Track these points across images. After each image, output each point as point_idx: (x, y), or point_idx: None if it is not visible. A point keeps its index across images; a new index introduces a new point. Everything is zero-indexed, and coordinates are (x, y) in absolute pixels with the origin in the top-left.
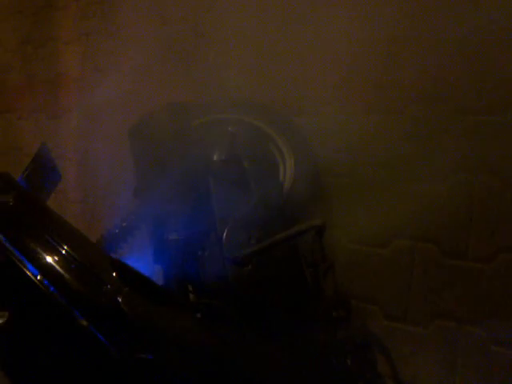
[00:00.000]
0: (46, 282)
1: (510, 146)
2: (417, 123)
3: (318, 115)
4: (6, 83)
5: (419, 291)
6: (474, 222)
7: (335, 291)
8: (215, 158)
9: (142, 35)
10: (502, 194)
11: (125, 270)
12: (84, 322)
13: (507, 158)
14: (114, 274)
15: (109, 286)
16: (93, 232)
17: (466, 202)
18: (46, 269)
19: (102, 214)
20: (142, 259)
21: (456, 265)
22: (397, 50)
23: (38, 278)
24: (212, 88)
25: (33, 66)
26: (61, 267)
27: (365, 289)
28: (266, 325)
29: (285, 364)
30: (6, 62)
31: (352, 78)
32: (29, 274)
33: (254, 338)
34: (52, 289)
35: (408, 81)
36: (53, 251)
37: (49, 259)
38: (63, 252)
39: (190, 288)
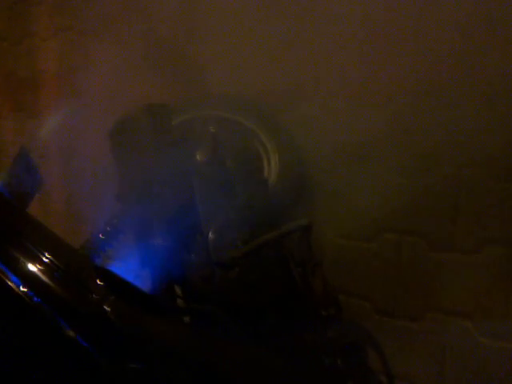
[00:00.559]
0: (29, 292)
1: (497, 139)
2: (402, 116)
3: (301, 110)
4: None
5: (408, 285)
6: (461, 215)
7: (324, 289)
8: (198, 158)
9: (123, 31)
10: (489, 186)
11: (110, 277)
12: (71, 333)
13: (494, 151)
14: (100, 283)
15: (94, 295)
16: (77, 232)
17: (452, 194)
18: (29, 279)
19: (87, 214)
20: (128, 264)
21: (443, 257)
22: (384, 42)
23: (21, 288)
24: (195, 85)
25: (10, 64)
26: (44, 276)
27: (353, 284)
28: (255, 327)
29: (276, 365)
30: None
31: (335, 73)
32: (11, 284)
33: (243, 340)
34: (36, 299)
35: (394, 74)
36: (35, 260)
37: (32, 268)
38: (46, 261)
39: (178, 292)
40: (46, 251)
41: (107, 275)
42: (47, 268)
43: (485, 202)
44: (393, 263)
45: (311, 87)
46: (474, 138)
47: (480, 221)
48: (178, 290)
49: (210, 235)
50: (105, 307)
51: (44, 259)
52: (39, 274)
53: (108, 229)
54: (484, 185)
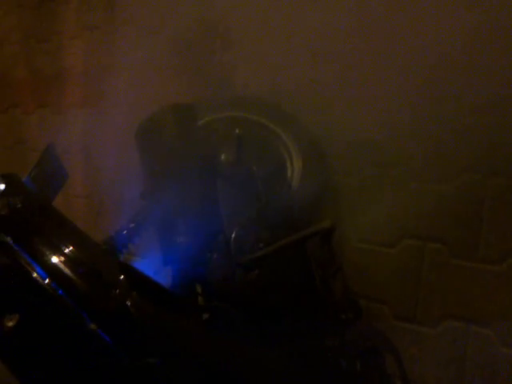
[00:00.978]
0: (53, 284)
1: None
2: (428, 122)
3: (326, 113)
4: (10, 78)
5: (428, 291)
6: (485, 224)
7: (344, 293)
8: (222, 159)
9: (149, 30)
10: None
11: (133, 273)
12: (92, 326)
13: None
14: (122, 278)
15: (117, 290)
16: (98, 227)
17: (476, 202)
18: (53, 272)
19: (108, 210)
20: (150, 261)
21: (465, 266)
22: (406, 46)
23: (46, 281)
24: (221, 85)
25: (37, 61)
26: (69, 270)
27: (374, 289)
28: (274, 328)
29: (294, 368)
30: (10, 56)
31: (361, 77)
32: (37, 276)
33: (262, 341)
34: (60, 292)
35: (419, 79)
36: (60, 254)
37: (56, 262)
38: (71, 255)
39: (199, 290)
40: (71, 245)
41: (129, 271)
42: (71, 262)
43: (509, 211)
44: (414, 269)
45: (336, 91)
46: (501, 148)
47: (504, 231)
48: (198, 288)
49: (232, 235)
50: (126, 302)
51: (68, 253)
52: (63, 267)
53: (131, 225)
54: (509, 194)
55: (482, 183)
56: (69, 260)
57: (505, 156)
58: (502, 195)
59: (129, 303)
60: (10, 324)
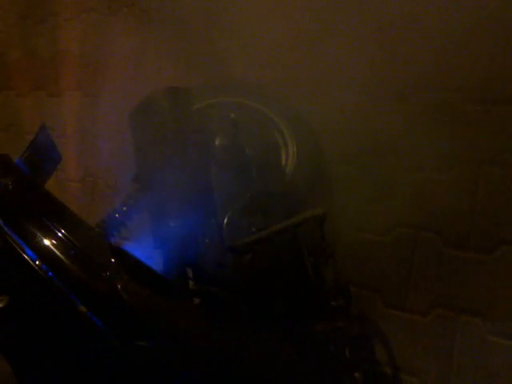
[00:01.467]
0: (44, 266)
1: None
2: (422, 112)
3: (322, 101)
4: (5, 59)
5: (419, 280)
6: (477, 213)
7: (335, 280)
8: (217, 144)
9: (146, 14)
10: (506, 185)
11: (124, 256)
12: (83, 308)
13: None
14: (114, 261)
15: (108, 273)
16: (92, 210)
17: (469, 192)
18: (44, 253)
19: (102, 193)
20: (142, 244)
21: (457, 255)
22: (404, 37)
23: (37, 262)
24: (218, 71)
25: (32, 42)
26: (60, 252)
27: (365, 276)
28: (265, 313)
29: (283, 352)
30: (5, 36)
31: (357, 65)
32: (27, 258)
33: (252, 326)
34: (50, 274)
35: (414, 69)
36: (52, 236)
37: (48, 244)
38: (62, 237)
39: (190, 274)
40: (63, 228)
41: (121, 254)
42: (62, 244)
43: (502, 201)
44: (406, 258)
45: (332, 79)
46: (494, 138)
47: (496, 220)
48: (190, 272)
49: (225, 220)
50: (117, 285)
51: (60, 235)
52: (54, 249)
53: (124, 208)
54: (502, 184)
55: (475, 173)
56: (60, 242)
57: (498, 145)
58: (494, 185)
59: (119, 286)
60: (0, 305)
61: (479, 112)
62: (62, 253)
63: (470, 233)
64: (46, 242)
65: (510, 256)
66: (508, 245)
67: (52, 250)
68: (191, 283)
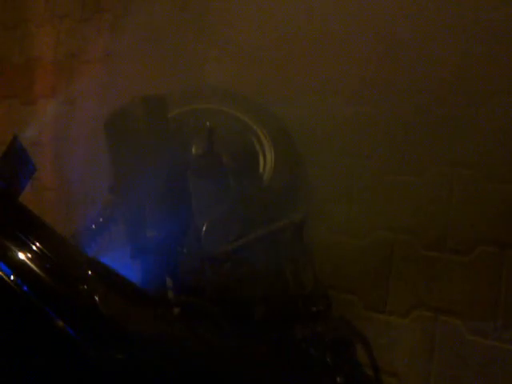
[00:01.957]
0: (19, 281)
1: (491, 139)
2: (397, 115)
3: (298, 105)
4: None
5: (398, 282)
6: (454, 215)
7: (314, 286)
8: (193, 151)
9: (120, 20)
10: (482, 186)
11: (101, 269)
12: (60, 323)
13: (488, 151)
14: (90, 273)
15: (85, 286)
16: (68, 220)
17: (445, 194)
18: (19, 268)
19: (78, 203)
20: (119, 255)
21: (434, 256)
22: (380, 39)
23: (12, 277)
24: (193, 77)
25: (4, 49)
26: (35, 266)
27: (344, 280)
28: (244, 319)
29: (264, 360)
30: None
31: (334, 69)
32: (1, 273)
33: (232, 334)
34: (25, 288)
35: (388, 72)
36: (26, 249)
37: (22, 258)
38: (37, 250)
39: (169, 284)
40: (37, 240)
41: (98, 266)
42: (37, 257)
43: (477, 202)
44: (384, 260)
45: (310, 84)
46: (469, 138)
47: (471, 222)
48: (168, 282)
49: (203, 229)
50: (94, 298)
51: (34, 248)
52: (29, 263)
53: (100, 219)
54: (477, 185)
55: (451, 175)
56: (35, 256)
57: (472, 148)
58: (469, 187)
59: (97, 299)
60: None
61: (452, 114)
62: (36, 266)
63: (446, 235)
64: (21, 255)
65: (486, 256)
66: (484, 245)
67: (27, 263)
68: (170, 293)
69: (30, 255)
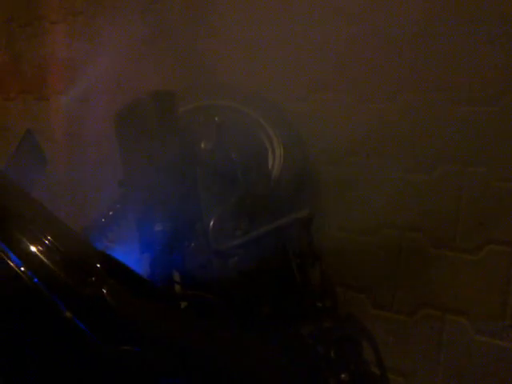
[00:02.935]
0: (29, 272)
1: (501, 137)
2: (408, 112)
3: (308, 102)
4: None
5: (406, 280)
6: (463, 213)
7: (321, 282)
8: (202, 147)
9: (131, 17)
10: (491, 184)
11: (110, 261)
12: (68, 314)
13: (498, 149)
14: (99, 266)
15: (93, 278)
16: (79, 216)
17: (454, 192)
18: (29, 259)
19: (89, 198)
20: (128, 249)
21: (443, 254)
22: (391, 37)
23: (22, 268)
24: (202, 73)
25: (19, 46)
26: (45, 258)
27: (352, 277)
28: (251, 315)
29: (270, 355)
30: None
31: (344, 65)
32: (12, 264)
33: (239, 329)
34: (36, 280)
35: (400, 69)
36: (36, 242)
37: (32, 250)
38: (47, 243)
39: (176, 278)
40: (48, 233)
41: (107, 259)
42: (48, 250)
43: (487, 201)
44: (392, 258)
45: (320, 81)
46: (479, 137)
47: (481, 220)
48: (176, 276)
49: (211, 223)
50: (103, 290)
51: (45, 241)
52: (40, 255)
53: (110, 213)
54: (487, 184)
55: (460, 173)
56: (45, 248)
57: (482, 146)
58: (479, 185)
59: (105, 291)
60: None
61: (464, 112)
62: (47, 258)
63: (455, 233)
64: (31, 247)
65: (495, 255)
66: (493, 244)
67: (37, 255)
68: (177, 287)
69: (40, 247)
